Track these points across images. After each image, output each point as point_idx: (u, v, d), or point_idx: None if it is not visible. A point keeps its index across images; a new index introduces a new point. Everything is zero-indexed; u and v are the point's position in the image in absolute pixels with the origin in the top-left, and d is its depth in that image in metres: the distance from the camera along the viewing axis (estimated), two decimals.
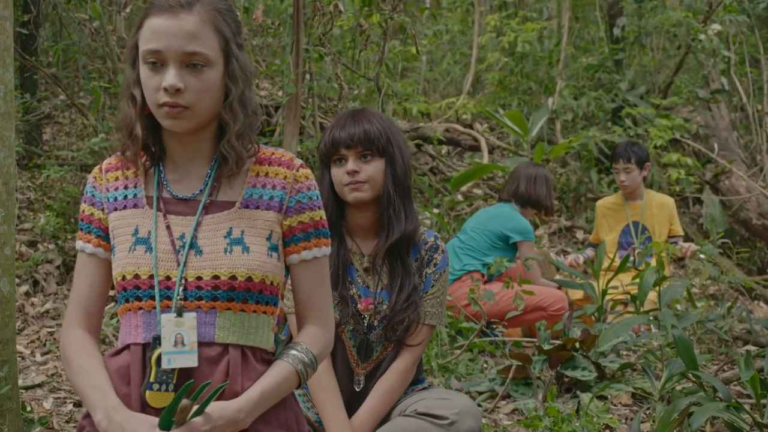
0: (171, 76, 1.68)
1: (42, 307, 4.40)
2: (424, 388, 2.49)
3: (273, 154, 1.86)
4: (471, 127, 7.93)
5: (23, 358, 3.78)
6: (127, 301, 1.79)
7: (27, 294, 4.54)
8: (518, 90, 8.24)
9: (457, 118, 8.05)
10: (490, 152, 7.37)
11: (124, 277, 1.78)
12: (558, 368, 3.36)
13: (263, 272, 1.78)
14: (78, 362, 1.79)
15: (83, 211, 1.88)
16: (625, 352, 3.87)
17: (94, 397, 1.71)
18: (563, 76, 7.77)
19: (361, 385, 2.40)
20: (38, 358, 3.82)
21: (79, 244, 1.88)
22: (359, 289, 2.42)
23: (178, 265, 1.76)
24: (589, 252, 5.28)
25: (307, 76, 5.42)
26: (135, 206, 1.83)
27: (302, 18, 4.31)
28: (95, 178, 1.88)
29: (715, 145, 7.03)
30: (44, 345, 3.98)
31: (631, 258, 4.84)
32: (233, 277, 1.75)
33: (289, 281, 1.92)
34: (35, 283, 4.64)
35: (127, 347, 1.78)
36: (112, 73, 6.69)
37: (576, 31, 8.61)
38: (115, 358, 1.80)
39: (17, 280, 4.45)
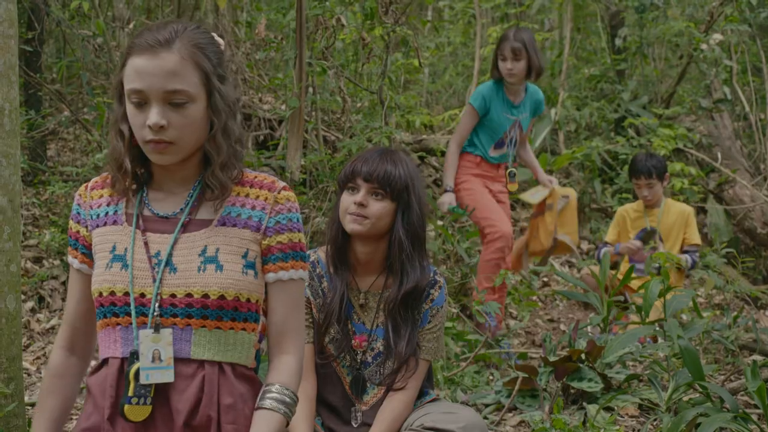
0: (154, 115, 1.73)
1: (47, 323, 4.41)
2: (431, 401, 2.48)
3: (256, 177, 1.89)
4: None
5: (29, 375, 3.79)
6: (104, 316, 1.84)
7: (32, 310, 4.55)
8: None
9: None
10: None
11: (100, 294, 1.83)
12: (564, 380, 3.35)
13: (237, 290, 1.80)
14: (40, 395, 1.95)
15: (71, 228, 1.95)
16: (631, 363, 3.86)
17: None
18: (566, 87, 7.78)
19: (359, 422, 2.40)
20: (44, 374, 3.83)
21: (69, 258, 1.95)
22: (354, 325, 2.42)
23: (154, 281, 1.79)
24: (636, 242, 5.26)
25: (310, 90, 5.44)
26: (115, 223, 1.88)
27: (305, 32, 4.33)
28: (80, 195, 1.94)
29: (719, 155, 7.04)
30: None
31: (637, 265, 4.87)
32: (206, 296, 1.78)
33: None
34: (41, 299, 4.65)
35: (105, 361, 1.84)
36: (116, 89, 6.70)
37: (578, 41, 8.63)
38: (95, 375, 1.86)
39: (23, 297, 4.46)
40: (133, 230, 1.84)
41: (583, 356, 3.36)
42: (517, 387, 3.30)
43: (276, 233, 1.84)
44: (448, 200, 4.65)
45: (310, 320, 2.41)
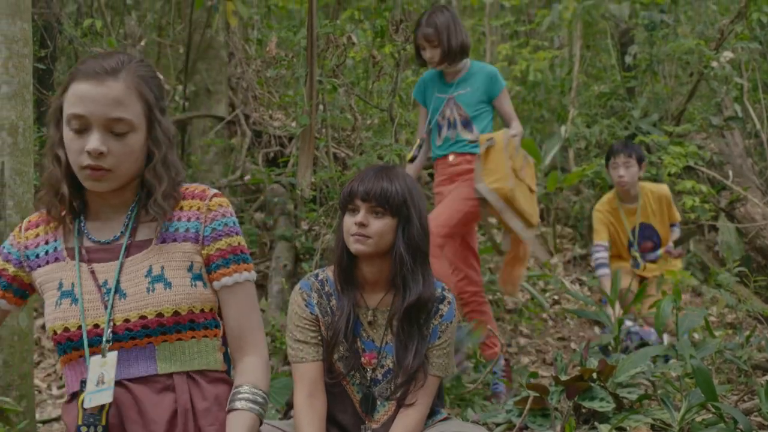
0: (94, 140, 1.74)
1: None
2: (442, 420, 2.47)
3: (187, 189, 1.92)
4: None
5: (40, 392, 3.79)
6: (65, 352, 1.84)
7: (43, 327, 4.56)
8: (530, 118, 8.25)
9: None
10: None
11: (55, 332, 1.84)
12: (576, 399, 3.32)
13: (189, 304, 1.83)
14: None
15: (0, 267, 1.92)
16: (642, 381, 3.83)
17: None
18: (576, 104, 7.79)
19: None
20: (54, 391, 3.83)
21: None
22: (363, 342, 2.42)
23: (105, 309, 1.81)
24: (606, 284, 5.13)
25: (321, 107, 5.46)
26: (56, 260, 1.88)
27: (315, 50, 4.35)
28: (14, 236, 1.94)
29: (730, 172, 7.01)
30: (60, 378, 3.98)
31: (637, 263, 4.99)
32: (160, 315, 1.81)
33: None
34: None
35: (76, 394, 1.84)
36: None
37: (588, 59, 8.63)
38: (68, 407, 1.87)
39: (33, 314, 4.47)
40: (77, 263, 1.85)
41: (594, 375, 3.34)
42: (528, 406, 3.28)
43: (213, 241, 1.88)
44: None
45: (319, 338, 2.40)
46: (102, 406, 1.75)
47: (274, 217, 5.80)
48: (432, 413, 2.47)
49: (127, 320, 1.80)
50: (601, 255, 5.04)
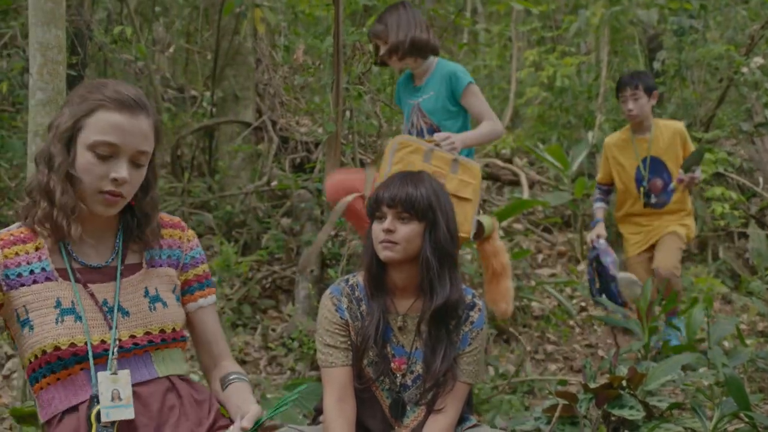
0: (123, 169, 1.84)
1: None
2: (471, 427, 2.47)
3: (162, 218, 2.08)
4: (510, 161, 7.92)
5: None
6: (64, 368, 1.86)
7: None
8: (557, 124, 8.22)
9: (497, 153, 8.05)
10: (531, 187, 7.34)
11: (56, 348, 1.84)
12: (605, 407, 3.30)
13: (181, 321, 2.03)
14: None
15: None
16: (672, 390, 3.80)
17: None
18: (603, 110, 7.75)
19: None
20: None
21: None
22: (393, 348, 2.42)
23: (110, 328, 1.89)
24: (599, 214, 4.97)
25: (347, 114, 5.47)
26: (48, 279, 1.87)
27: (342, 57, 4.36)
28: None
29: (760, 179, 6.94)
30: None
31: (649, 198, 4.77)
32: (162, 330, 1.97)
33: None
34: None
35: (69, 411, 1.86)
36: (156, 111, 6.80)
37: (615, 64, 8.58)
38: (60, 426, 1.86)
39: None
40: (73, 284, 1.89)
41: (624, 383, 3.31)
42: (557, 414, 3.26)
43: (192, 267, 2.11)
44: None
45: (348, 343, 2.40)
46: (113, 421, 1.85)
47: (301, 222, 5.81)
48: (461, 420, 2.46)
49: (133, 336, 1.92)
50: (596, 197, 5.07)
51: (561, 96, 7.98)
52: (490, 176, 7.63)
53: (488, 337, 3.95)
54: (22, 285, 1.85)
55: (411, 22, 3.79)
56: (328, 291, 2.48)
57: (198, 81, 7.80)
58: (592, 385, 3.32)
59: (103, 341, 1.87)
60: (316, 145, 6.86)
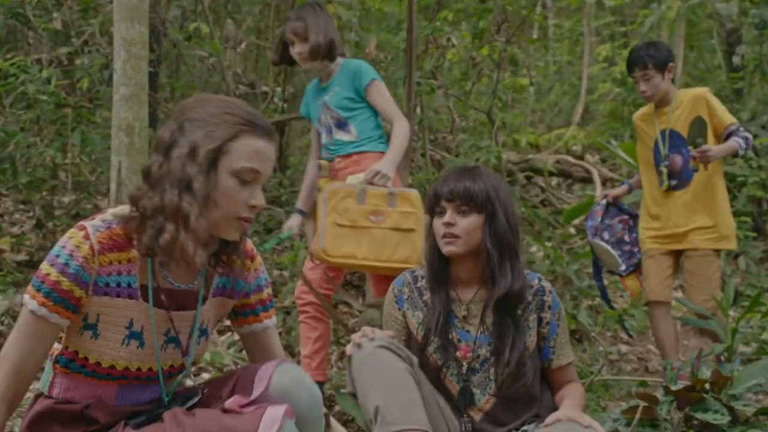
0: (262, 197, 1.84)
1: None
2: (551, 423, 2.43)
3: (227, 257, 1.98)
4: (581, 158, 7.80)
5: None
6: (85, 374, 1.84)
7: None
8: (630, 120, 8.05)
9: (567, 149, 7.94)
10: (603, 184, 7.22)
11: (112, 366, 1.83)
12: (687, 410, 3.21)
13: (203, 353, 2.03)
14: None
15: (58, 283, 1.76)
16: (757, 394, 3.68)
17: None
18: None
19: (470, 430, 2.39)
20: None
21: (41, 310, 1.77)
22: (459, 333, 2.42)
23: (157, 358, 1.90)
24: (629, 183, 4.45)
25: (417, 109, 5.45)
26: (130, 297, 1.82)
27: (414, 52, 4.34)
28: (85, 258, 1.77)
29: None
30: None
31: (661, 180, 4.11)
32: (194, 363, 1.97)
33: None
34: None
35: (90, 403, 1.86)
36: None
37: (691, 59, 8.38)
38: (66, 405, 1.85)
39: None
40: (150, 308, 1.85)
41: (707, 386, 3.22)
42: (638, 416, 3.19)
43: (257, 292, 2.05)
44: (288, 225, 3.89)
45: (402, 337, 2.45)
46: None
47: None
48: (538, 415, 2.44)
49: (172, 366, 1.93)
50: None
51: (634, 91, 7.81)
52: (560, 173, 7.53)
53: None
54: (106, 294, 1.81)
55: (328, 24, 3.75)
56: (393, 282, 2.52)
57: (269, 77, 7.87)
58: (674, 387, 3.24)
59: (150, 368, 1.89)
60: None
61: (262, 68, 8.29)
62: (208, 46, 6.62)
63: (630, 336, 4.51)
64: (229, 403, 1.82)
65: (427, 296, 2.46)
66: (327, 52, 3.70)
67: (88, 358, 1.83)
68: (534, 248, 5.81)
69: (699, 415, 3.15)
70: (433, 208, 2.45)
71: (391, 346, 2.26)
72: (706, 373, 3.33)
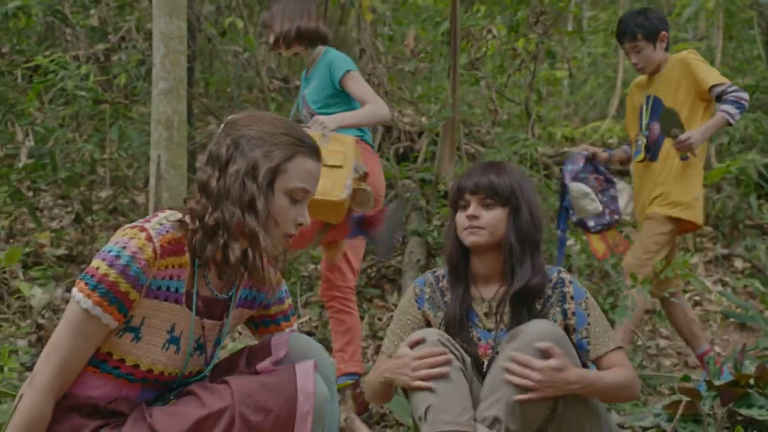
0: (308, 215, 1.90)
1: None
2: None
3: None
4: None
5: None
6: (116, 376, 1.86)
7: None
8: None
9: (603, 142, 7.85)
10: None
11: (150, 370, 1.86)
12: (731, 405, 3.16)
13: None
14: None
15: (117, 285, 1.76)
16: None
17: None
18: None
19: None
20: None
21: (95, 310, 1.77)
22: (479, 332, 2.41)
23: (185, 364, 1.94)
24: (610, 152, 4.21)
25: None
26: (176, 302, 1.86)
27: (459, 42, 4.31)
28: (147, 262, 1.79)
29: None
30: None
31: (636, 150, 3.97)
32: (212, 370, 2.00)
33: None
34: None
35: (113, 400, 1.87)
36: (263, 101, 6.93)
37: (730, 50, 8.24)
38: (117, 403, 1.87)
39: None
40: (192, 315, 1.88)
41: (751, 381, 3.16)
42: (680, 411, 3.14)
43: (277, 305, 2.11)
44: None
45: None
46: None
47: (406, 212, 5.80)
48: None
49: (191, 372, 1.96)
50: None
51: None
52: None
53: None
54: (156, 298, 1.83)
55: (297, 11, 3.66)
56: (414, 281, 2.52)
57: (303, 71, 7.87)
58: (717, 382, 3.19)
59: (172, 374, 1.92)
60: (420, 134, 6.83)
61: (295, 63, 8.30)
62: (243, 41, 6.65)
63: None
64: (261, 366, 1.90)
65: (448, 296, 2.44)
66: (296, 40, 3.63)
67: (125, 360, 1.84)
68: (570, 242, 5.75)
69: (743, 411, 3.09)
70: (456, 202, 2.44)
71: (447, 344, 2.26)
72: (749, 368, 3.27)
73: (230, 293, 1.97)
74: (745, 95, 3.71)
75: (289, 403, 1.76)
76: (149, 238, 1.78)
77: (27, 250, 4.65)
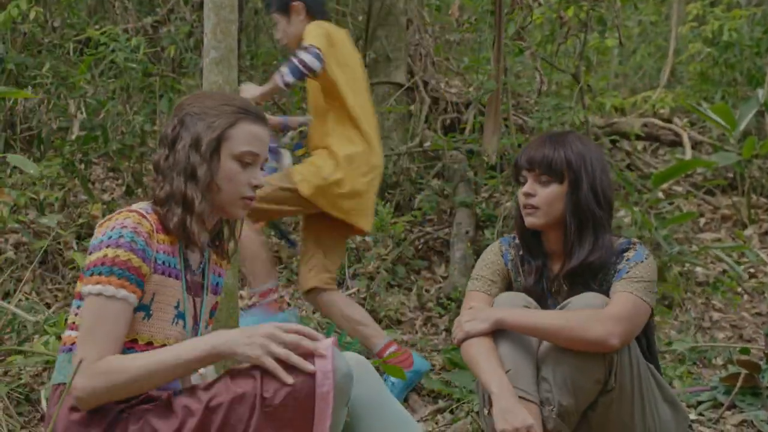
0: (261, 176, 2.00)
1: (249, 300, 4.58)
2: None
3: (220, 242, 2.12)
4: (669, 121, 7.55)
5: None
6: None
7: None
8: (721, 82, 7.75)
9: (654, 112, 7.71)
10: (693, 147, 6.99)
11: (163, 345, 1.89)
12: None
13: None
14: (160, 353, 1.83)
15: (129, 261, 1.83)
16: None
17: None
18: None
19: None
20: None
21: (120, 292, 1.81)
22: (552, 306, 2.36)
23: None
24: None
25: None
26: (177, 277, 1.95)
27: (503, 12, 4.24)
28: (148, 234, 1.88)
29: None
30: None
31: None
32: None
33: None
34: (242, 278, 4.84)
35: None
36: None
37: None
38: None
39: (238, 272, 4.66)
40: (183, 289, 1.97)
41: None
42: (739, 384, 3.09)
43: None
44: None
45: (499, 285, 2.43)
46: None
47: (454, 183, 5.76)
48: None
49: None
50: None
51: (726, 51, 7.50)
52: (648, 137, 7.31)
53: None
54: (162, 273, 1.91)
55: None
56: (498, 240, 2.49)
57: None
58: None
59: None
60: (467, 105, 6.76)
61: None
62: None
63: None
64: None
65: (525, 266, 2.41)
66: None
67: (138, 340, 1.89)
68: (621, 213, 5.67)
69: None
70: (516, 177, 2.39)
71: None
72: None
73: (201, 269, 2.04)
74: (310, 55, 3.32)
75: (307, 381, 1.74)
76: (142, 215, 1.89)
77: (80, 221, 4.71)
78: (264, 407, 1.72)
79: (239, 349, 1.75)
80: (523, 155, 2.34)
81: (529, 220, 2.32)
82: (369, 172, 3.48)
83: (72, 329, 1.89)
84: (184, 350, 1.79)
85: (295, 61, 3.33)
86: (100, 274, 1.80)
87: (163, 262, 1.90)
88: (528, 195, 2.31)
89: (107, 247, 1.82)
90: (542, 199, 2.29)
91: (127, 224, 1.84)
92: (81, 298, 1.86)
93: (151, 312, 1.89)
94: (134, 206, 1.94)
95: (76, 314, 1.89)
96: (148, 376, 1.76)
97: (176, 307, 1.93)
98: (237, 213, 2.00)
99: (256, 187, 1.98)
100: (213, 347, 1.76)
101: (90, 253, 1.85)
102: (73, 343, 1.86)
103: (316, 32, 3.43)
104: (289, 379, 1.72)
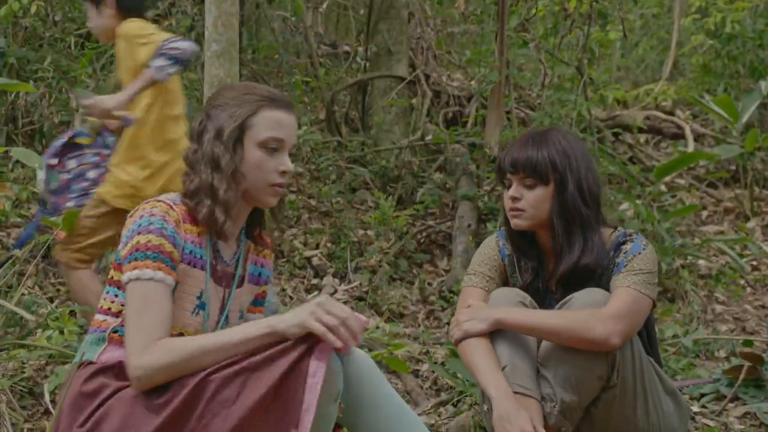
0: (289, 162, 1.98)
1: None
2: None
3: (258, 232, 2.13)
4: (672, 114, 7.55)
5: None
6: None
7: None
8: (724, 74, 7.74)
9: (656, 105, 7.70)
10: (695, 140, 6.98)
11: (181, 334, 1.91)
12: None
13: None
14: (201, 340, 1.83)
15: (162, 245, 1.87)
16: None
17: None
18: None
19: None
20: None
21: (158, 275, 1.85)
22: (548, 306, 2.35)
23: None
24: None
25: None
26: (202, 268, 1.97)
27: (508, 5, 4.22)
28: (176, 223, 1.91)
29: None
30: None
31: None
32: None
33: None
34: None
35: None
36: (311, 67, 6.91)
37: None
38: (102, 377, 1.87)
39: None
40: (207, 279, 1.97)
41: None
42: (742, 376, 3.08)
43: (265, 284, 2.17)
44: None
45: (496, 282, 2.40)
46: None
47: (456, 177, 5.75)
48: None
49: None
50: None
51: (729, 44, 7.48)
52: (650, 129, 7.30)
53: None
54: (189, 263, 1.93)
55: None
56: (494, 234, 2.45)
57: (351, 36, 7.83)
58: None
59: None
60: (469, 99, 6.76)
61: (344, 28, 8.26)
62: (290, 6, 6.62)
63: None
64: None
65: (522, 264, 2.38)
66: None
67: None
68: (624, 206, 5.66)
69: None
70: (501, 180, 2.33)
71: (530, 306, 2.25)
72: None
73: (235, 260, 2.05)
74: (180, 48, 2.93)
75: (300, 371, 1.74)
76: (169, 206, 1.92)
77: None
78: (251, 378, 1.74)
79: (293, 321, 1.76)
80: (507, 157, 2.28)
81: (515, 222, 2.27)
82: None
83: (103, 313, 1.94)
84: (249, 330, 1.81)
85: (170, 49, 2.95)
86: (135, 260, 1.85)
87: (190, 252, 1.93)
88: (514, 198, 2.26)
89: (138, 234, 1.87)
90: (528, 202, 2.24)
91: (156, 212, 1.89)
92: (118, 286, 1.92)
93: (173, 299, 1.90)
94: (162, 197, 1.97)
95: (112, 301, 1.94)
96: (206, 353, 1.78)
97: (198, 297, 1.95)
98: (268, 201, 1.99)
99: (284, 173, 1.97)
100: (269, 326, 1.78)
101: (125, 245, 1.89)
102: (100, 326, 1.93)
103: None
104: (338, 343, 1.73)
